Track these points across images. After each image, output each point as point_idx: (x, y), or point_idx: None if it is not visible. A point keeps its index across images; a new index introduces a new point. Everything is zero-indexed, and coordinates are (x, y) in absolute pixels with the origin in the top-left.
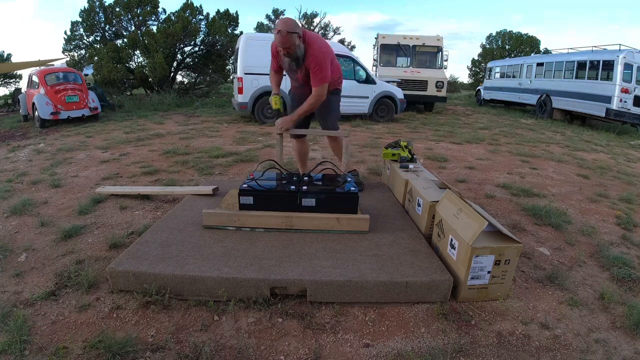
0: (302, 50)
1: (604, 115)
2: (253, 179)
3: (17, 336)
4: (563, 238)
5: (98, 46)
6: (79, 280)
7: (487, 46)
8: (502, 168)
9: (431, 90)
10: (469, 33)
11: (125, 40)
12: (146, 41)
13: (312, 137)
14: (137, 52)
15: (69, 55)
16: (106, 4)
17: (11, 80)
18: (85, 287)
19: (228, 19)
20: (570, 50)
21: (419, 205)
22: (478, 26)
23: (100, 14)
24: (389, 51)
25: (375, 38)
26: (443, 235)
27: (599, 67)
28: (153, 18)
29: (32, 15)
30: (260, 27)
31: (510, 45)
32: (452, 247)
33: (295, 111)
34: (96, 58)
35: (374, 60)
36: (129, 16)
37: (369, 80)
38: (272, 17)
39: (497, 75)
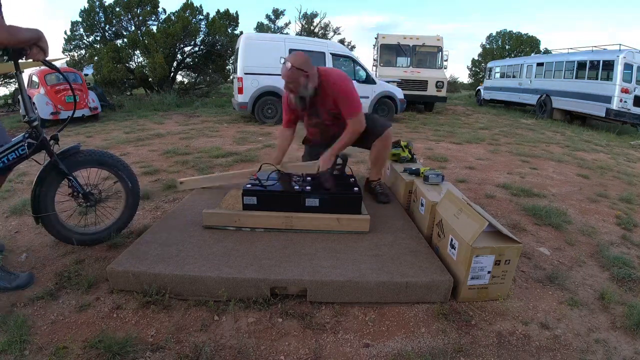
0: (309, 90)
1: (604, 115)
2: (256, 179)
3: (17, 336)
4: (563, 238)
5: (98, 46)
6: (79, 280)
7: (487, 46)
8: (502, 168)
9: (431, 90)
10: (469, 33)
11: (125, 40)
12: (146, 41)
13: None
14: (137, 52)
15: (69, 55)
16: (106, 4)
17: (11, 80)
18: (85, 287)
19: (228, 19)
20: (570, 50)
21: (422, 205)
22: (478, 26)
23: (100, 14)
24: (389, 51)
25: (375, 38)
26: (443, 235)
27: (599, 67)
28: (153, 18)
29: (32, 15)
30: (260, 27)
31: (510, 45)
32: (452, 247)
33: (332, 147)
34: (96, 58)
35: (374, 60)
36: (129, 16)
37: (369, 80)
38: (272, 17)
39: (497, 75)
